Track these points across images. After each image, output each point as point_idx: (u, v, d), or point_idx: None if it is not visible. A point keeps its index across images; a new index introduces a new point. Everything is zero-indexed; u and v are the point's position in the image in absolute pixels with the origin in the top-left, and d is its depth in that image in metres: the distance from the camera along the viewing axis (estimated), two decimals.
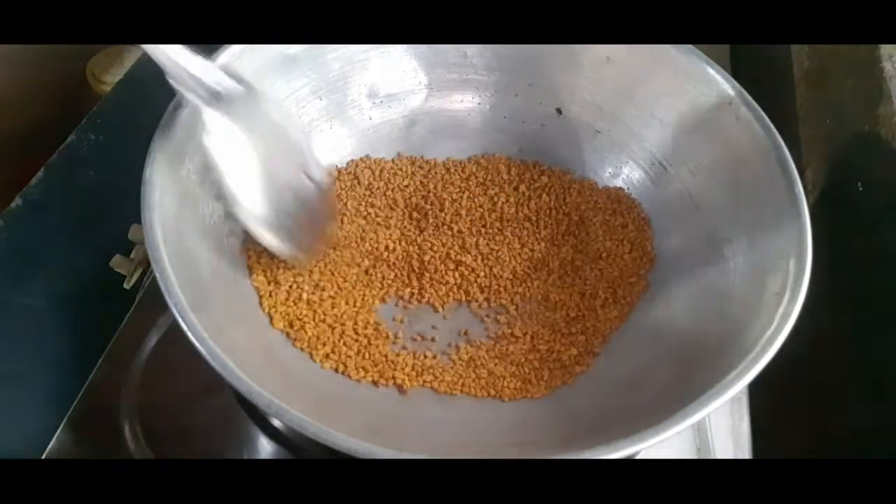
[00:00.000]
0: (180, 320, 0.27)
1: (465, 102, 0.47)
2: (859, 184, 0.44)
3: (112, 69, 0.65)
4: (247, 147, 0.34)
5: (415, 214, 0.44)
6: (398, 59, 0.45)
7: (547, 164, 0.47)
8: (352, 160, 0.45)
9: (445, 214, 0.43)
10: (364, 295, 0.40)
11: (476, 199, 0.45)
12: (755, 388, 0.40)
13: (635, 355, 0.37)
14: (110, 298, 0.44)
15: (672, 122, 0.42)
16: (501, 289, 0.41)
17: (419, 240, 0.42)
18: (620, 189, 0.45)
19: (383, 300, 0.40)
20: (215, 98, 0.32)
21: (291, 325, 0.37)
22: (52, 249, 0.49)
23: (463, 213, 0.44)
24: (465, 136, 0.47)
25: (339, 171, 0.45)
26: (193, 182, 0.35)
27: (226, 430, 0.38)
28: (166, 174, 0.32)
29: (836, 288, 0.39)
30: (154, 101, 0.35)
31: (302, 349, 0.36)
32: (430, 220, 0.43)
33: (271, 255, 0.38)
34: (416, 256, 0.42)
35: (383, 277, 0.41)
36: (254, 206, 0.35)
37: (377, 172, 0.45)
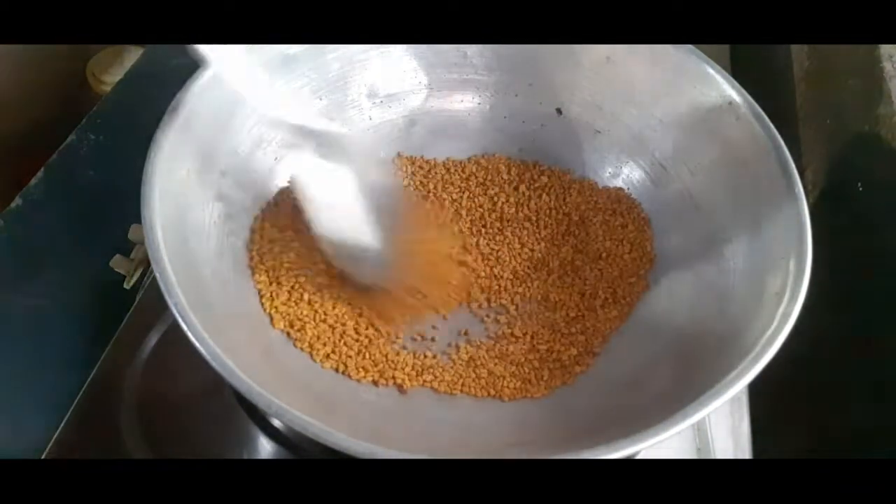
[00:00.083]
0: (180, 320, 0.27)
1: (465, 102, 0.47)
2: (859, 184, 0.44)
3: (112, 69, 0.65)
4: (337, 181, 0.35)
5: None
6: (398, 59, 0.45)
7: (547, 164, 0.47)
8: None
9: (446, 214, 0.43)
10: (367, 294, 0.40)
11: (476, 199, 0.45)
12: (755, 388, 0.40)
13: (635, 355, 0.37)
14: (110, 298, 0.44)
15: (672, 122, 0.42)
16: (501, 289, 0.41)
17: None
18: (620, 189, 0.45)
19: None
20: (312, 139, 0.34)
21: (292, 326, 0.37)
22: (52, 249, 0.49)
23: (463, 213, 0.44)
24: (465, 136, 0.47)
25: None
26: (193, 182, 0.35)
27: (226, 430, 0.38)
28: (166, 174, 0.32)
29: (836, 288, 0.39)
30: (154, 101, 0.35)
31: (302, 349, 0.36)
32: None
33: (274, 256, 0.39)
34: None
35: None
36: (339, 234, 0.36)
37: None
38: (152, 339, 0.41)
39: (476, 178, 0.46)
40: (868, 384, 0.40)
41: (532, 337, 0.39)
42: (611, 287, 0.41)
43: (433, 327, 0.40)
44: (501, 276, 0.41)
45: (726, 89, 0.38)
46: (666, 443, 0.26)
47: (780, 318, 0.30)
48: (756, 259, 0.35)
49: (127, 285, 0.43)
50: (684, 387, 0.30)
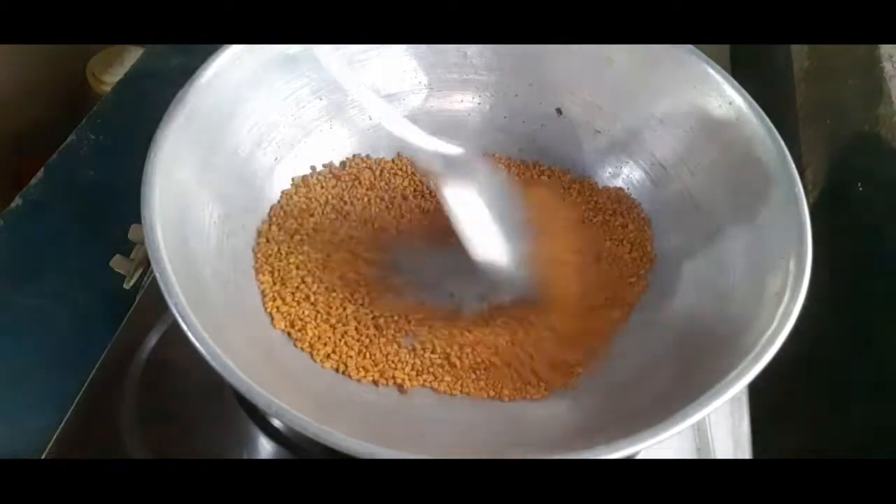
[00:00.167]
0: (180, 320, 0.27)
1: (465, 102, 0.47)
2: (859, 184, 0.44)
3: (112, 69, 0.65)
4: (474, 197, 0.37)
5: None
6: (398, 59, 0.45)
7: (547, 164, 0.47)
8: (352, 160, 0.45)
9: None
10: (371, 294, 0.40)
11: None
12: (755, 388, 0.40)
13: (635, 355, 0.37)
14: (110, 298, 0.44)
15: (672, 122, 0.42)
16: None
17: None
18: (620, 189, 0.45)
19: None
20: (448, 164, 0.36)
21: (293, 325, 0.37)
22: (52, 249, 0.49)
23: None
24: (465, 136, 0.47)
25: (340, 172, 0.45)
26: (193, 182, 0.35)
27: (226, 430, 0.38)
28: (166, 174, 0.32)
29: (836, 288, 0.39)
30: (154, 101, 0.35)
31: (302, 349, 0.36)
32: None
33: (280, 258, 0.39)
34: None
35: (386, 277, 0.41)
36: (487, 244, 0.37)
37: (378, 173, 0.45)
38: (152, 339, 0.41)
39: None
40: (868, 384, 0.40)
41: (532, 337, 0.39)
42: (611, 287, 0.41)
43: (432, 326, 0.40)
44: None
45: (726, 89, 0.38)
46: (666, 443, 0.26)
47: (780, 318, 0.30)
48: (756, 259, 0.35)
49: (127, 285, 0.43)
50: (684, 387, 0.30)
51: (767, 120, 0.37)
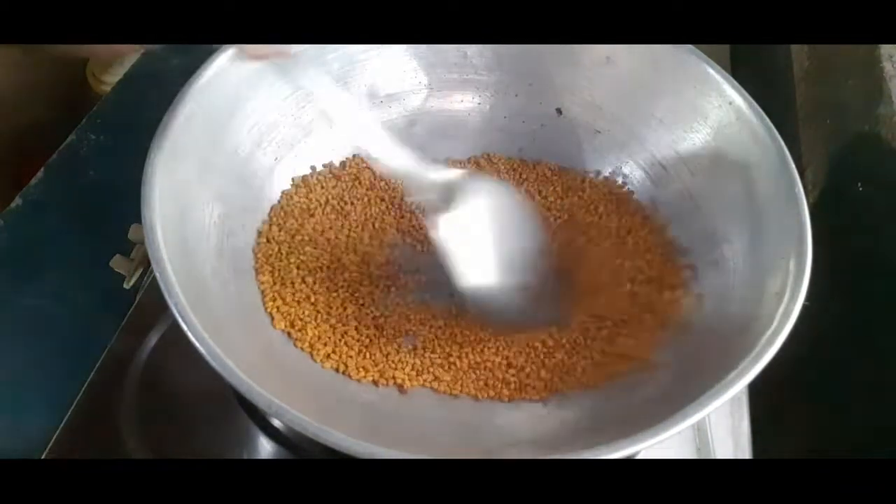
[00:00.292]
0: (180, 320, 0.27)
1: (465, 102, 0.47)
2: (859, 184, 0.44)
3: (112, 69, 0.65)
4: (474, 224, 0.36)
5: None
6: (398, 59, 0.45)
7: (547, 164, 0.47)
8: (352, 160, 0.45)
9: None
10: (371, 295, 0.40)
11: None
12: (755, 388, 0.40)
13: None
14: (110, 298, 0.44)
15: (672, 122, 0.42)
16: None
17: None
18: (621, 189, 0.45)
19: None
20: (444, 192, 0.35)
21: (293, 325, 0.37)
22: (52, 249, 0.49)
23: None
24: (465, 136, 0.47)
25: (340, 172, 0.45)
26: (193, 182, 0.35)
27: (226, 430, 0.38)
28: (166, 174, 0.32)
29: (836, 288, 0.39)
30: (154, 101, 0.35)
31: (303, 349, 0.36)
32: None
33: (281, 258, 0.39)
34: None
35: (386, 277, 0.41)
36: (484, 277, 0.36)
37: (378, 173, 0.45)
38: (152, 339, 0.41)
39: None
40: (868, 384, 0.40)
41: (532, 337, 0.39)
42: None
43: (433, 326, 0.40)
44: None
45: (726, 89, 0.38)
46: (666, 443, 0.26)
47: (780, 318, 0.30)
48: (756, 259, 0.35)
49: (127, 285, 0.43)
50: (684, 387, 0.30)
51: (767, 120, 0.37)
